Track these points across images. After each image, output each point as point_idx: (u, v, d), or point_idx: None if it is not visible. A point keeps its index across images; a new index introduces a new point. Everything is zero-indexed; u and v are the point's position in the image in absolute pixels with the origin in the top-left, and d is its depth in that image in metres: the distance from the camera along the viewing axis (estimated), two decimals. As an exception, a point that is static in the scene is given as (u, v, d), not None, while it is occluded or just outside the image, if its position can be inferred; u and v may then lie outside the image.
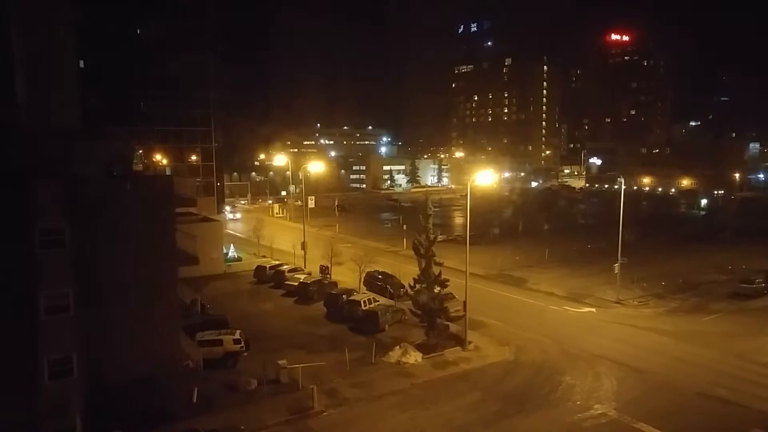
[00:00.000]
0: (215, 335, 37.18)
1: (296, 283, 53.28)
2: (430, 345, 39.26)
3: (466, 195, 43.11)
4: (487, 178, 66.46)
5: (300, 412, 30.44)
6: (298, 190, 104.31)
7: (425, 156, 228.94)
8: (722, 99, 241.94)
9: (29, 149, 26.52)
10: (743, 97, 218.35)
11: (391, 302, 48.09)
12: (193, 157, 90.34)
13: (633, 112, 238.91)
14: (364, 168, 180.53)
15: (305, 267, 60.69)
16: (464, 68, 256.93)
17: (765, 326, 44.42)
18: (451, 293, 43.47)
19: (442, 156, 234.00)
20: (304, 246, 62.28)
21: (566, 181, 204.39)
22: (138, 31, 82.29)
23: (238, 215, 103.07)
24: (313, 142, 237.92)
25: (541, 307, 50.50)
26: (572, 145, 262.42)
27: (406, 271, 50.06)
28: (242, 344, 37.04)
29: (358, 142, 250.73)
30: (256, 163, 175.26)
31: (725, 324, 45.60)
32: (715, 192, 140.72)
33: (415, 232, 42.75)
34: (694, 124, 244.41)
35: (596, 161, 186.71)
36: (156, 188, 31.14)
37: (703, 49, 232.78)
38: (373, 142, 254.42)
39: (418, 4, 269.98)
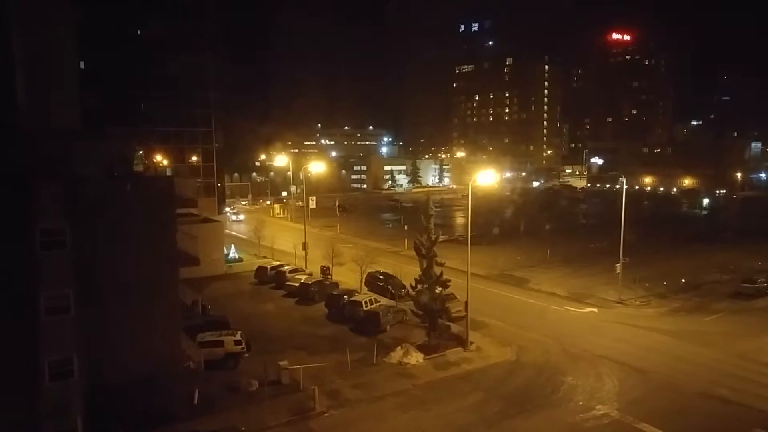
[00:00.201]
0: (216, 336, 37.12)
1: (297, 284, 53.21)
2: (431, 346, 39.18)
3: (468, 195, 43.00)
4: (488, 178, 66.37)
5: (301, 413, 30.38)
6: (299, 191, 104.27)
7: (426, 156, 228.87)
8: (723, 98, 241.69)
9: (30, 150, 26.46)
10: (744, 96, 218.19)
11: (392, 303, 47.97)
12: (194, 158, 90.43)
13: (634, 112, 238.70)
14: (365, 168, 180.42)
15: (306, 268, 60.63)
16: (465, 68, 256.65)
17: (767, 326, 44.32)
18: (452, 294, 43.42)
19: (444, 156, 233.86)
20: (305, 246, 62.24)
21: (568, 181, 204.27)
22: (138, 32, 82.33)
23: (242, 217, 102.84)
24: (313, 143, 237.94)
25: (542, 307, 50.41)
26: (574, 145, 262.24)
27: (408, 272, 49.98)
28: (243, 345, 36.98)
29: (359, 143, 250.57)
30: (257, 163, 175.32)
31: (727, 324, 45.49)
32: (717, 191, 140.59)
33: (416, 233, 42.67)
34: (695, 123, 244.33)
35: (598, 161, 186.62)
36: (156, 189, 31.11)
37: (703, 49, 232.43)
38: (374, 143, 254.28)
39: (418, 4, 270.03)
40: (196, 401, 31.03)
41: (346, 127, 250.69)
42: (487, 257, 64.69)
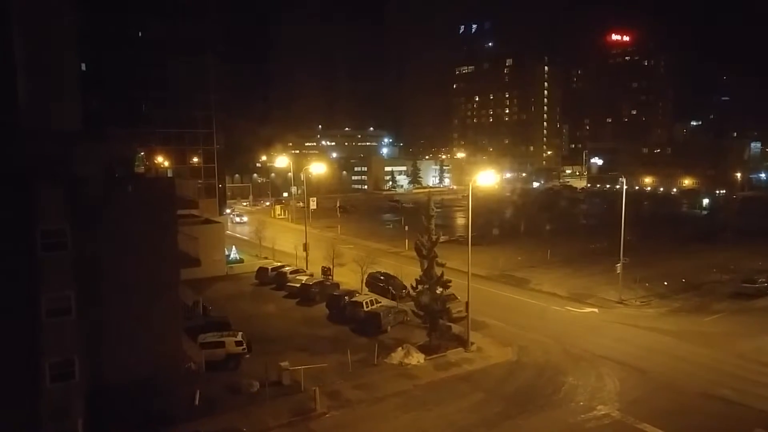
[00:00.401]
0: (217, 337, 37.12)
1: (298, 285, 53.19)
2: (432, 346, 39.18)
3: (468, 196, 43.02)
4: (488, 178, 66.38)
5: (302, 414, 30.37)
6: (299, 192, 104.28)
7: (427, 157, 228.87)
8: (723, 99, 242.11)
9: (30, 150, 26.46)
10: (744, 96, 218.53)
11: (393, 303, 48.01)
12: (195, 159, 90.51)
13: (634, 112, 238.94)
14: (365, 169, 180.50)
15: (307, 268, 60.62)
16: (465, 69, 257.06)
17: (767, 326, 44.30)
18: (453, 294, 43.42)
19: (444, 157, 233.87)
20: (305, 247, 62.23)
21: (568, 182, 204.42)
22: (139, 33, 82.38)
23: (245, 219, 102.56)
24: (314, 144, 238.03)
25: (543, 307, 50.40)
26: (573, 146, 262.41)
27: (408, 272, 50.00)
28: (244, 346, 36.97)
29: (359, 144, 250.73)
30: (258, 164, 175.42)
31: (728, 324, 45.49)
32: (717, 192, 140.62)
33: (416, 233, 42.68)
34: (695, 123, 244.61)
35: (598, 161, 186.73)
36: (157, 190, 31.07)
37: (703, 49, 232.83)
38: (374, 143, 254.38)
39: (418, 4, 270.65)
40: (197, 402, 31.04)
41: (346, 128, 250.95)
42: (488, 258, 64.70)
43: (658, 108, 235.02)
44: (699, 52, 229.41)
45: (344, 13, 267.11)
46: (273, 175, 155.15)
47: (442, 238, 44.85)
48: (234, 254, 67.63)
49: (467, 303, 40.63)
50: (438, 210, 45.34)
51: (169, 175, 74.92)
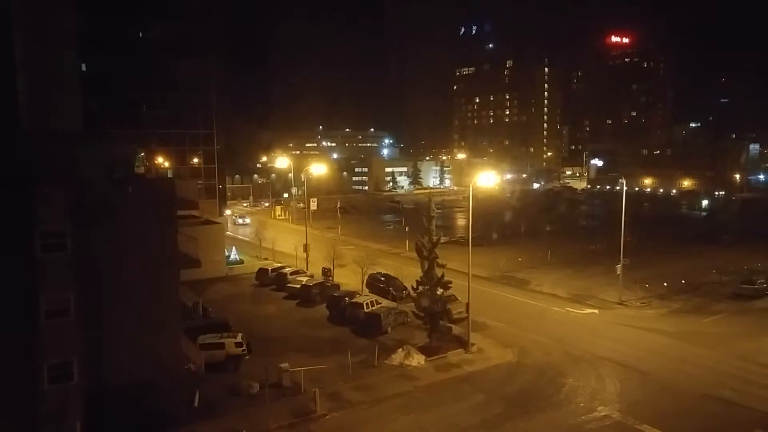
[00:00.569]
0: (217, 338, 37.10)
1: (298, 286, 53.13)
2: (432, 347, 39.16)
3: (468, 197, 43.00)
4: (488, 179, 66.26)
5: (302, 416, 30.34)
6: (300, 193, 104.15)
7: (427, 158, 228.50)
8: (722, 100, 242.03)
9: (31, 152, 26.46)
10: (742, 98, 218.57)
11: (393, 304, 47.95)
12: (195, 160, 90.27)
13: (633, 114, 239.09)
14: (366, 170, 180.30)
15: (307, 269, 60.54)
16: (465, 70, 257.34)
17: (767, 327, 44.30)
18: (453, 295, 43.44)
19: (444, 158, 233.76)
20: (306, 248, 62.18)
21: (568, 183, 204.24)
22: (140, 34, 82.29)
23: (248, 220, 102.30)
24: (315, 145, 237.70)
25: (543, 308, 50.39)
26: (573, 147, 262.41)
27: (409, 273, 49.99)
28: (244, 347, 36.94)
29: (360, 144, 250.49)
30: (258, 165, 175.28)
31: (727, 325, 45.51)
32: (716, 193, 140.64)
33: (417, 234, 42.66)
34: (694, 125, 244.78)
35: (597, 162, 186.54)
36: (157, 191, 31.05)
37: (702, 51, 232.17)
38: (375, 144, 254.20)
39: (418, 6, 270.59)
40: (196, 404, 31.02)
41: (347, 129, 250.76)
42: (488, 259, 64.67)
43: (658, 109, 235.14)
44: (699, 53, 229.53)
45: (344, 13, 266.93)
46: (273, 175, 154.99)
47: (443, 239, 44.81)
48: (234, 255, 67.59)
49: (468, 304, 40.61)
50: (438, 211, 45.36)
51: (170, 175, 74.83)
